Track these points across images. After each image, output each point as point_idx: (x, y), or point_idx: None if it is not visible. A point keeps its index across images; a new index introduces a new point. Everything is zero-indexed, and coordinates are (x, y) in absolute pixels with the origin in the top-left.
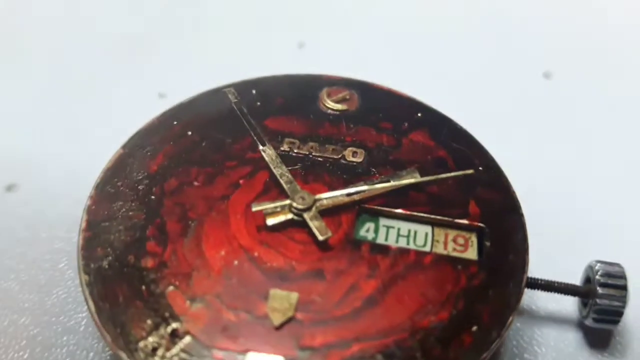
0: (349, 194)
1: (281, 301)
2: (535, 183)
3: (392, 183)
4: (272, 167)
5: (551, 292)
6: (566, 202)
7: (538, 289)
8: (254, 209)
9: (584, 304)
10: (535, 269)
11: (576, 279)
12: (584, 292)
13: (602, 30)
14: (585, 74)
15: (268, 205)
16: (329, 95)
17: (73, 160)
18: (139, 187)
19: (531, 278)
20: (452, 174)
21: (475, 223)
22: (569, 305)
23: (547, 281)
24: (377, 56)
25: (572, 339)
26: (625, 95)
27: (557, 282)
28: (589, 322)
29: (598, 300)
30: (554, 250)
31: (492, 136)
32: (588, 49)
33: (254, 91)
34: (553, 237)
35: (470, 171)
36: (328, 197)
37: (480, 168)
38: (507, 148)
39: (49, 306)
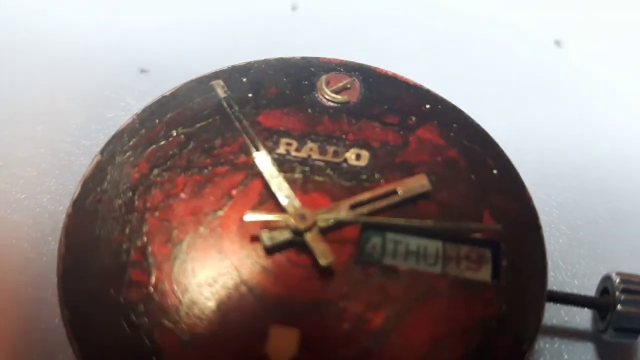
0: (352, 208)
1: (282, 340)
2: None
3: (404, 222)
4: (268, 179)
5: (567, 304)
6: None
7: (554, 301)
8: (247, 218)
9: (602, 317)
10: None
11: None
12: (603, 304)
13: None
14: (599, 41)
15: (264, 217)
16: (328, 84)
17: None
18: (120, 201)
19: (547, 291)
20: (473, 225)
21: (490, 238)
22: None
23: (564, 293)
24: (375, 21)
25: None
26: None
27: (574, 295)
28: (608, 335)
29: (620, 310)
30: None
31: (498, 109)
32: (602, 15)
33: (244, 79)
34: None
35: (498, 226)
36: (330, 216)
37: (495, 171)
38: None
39: None
